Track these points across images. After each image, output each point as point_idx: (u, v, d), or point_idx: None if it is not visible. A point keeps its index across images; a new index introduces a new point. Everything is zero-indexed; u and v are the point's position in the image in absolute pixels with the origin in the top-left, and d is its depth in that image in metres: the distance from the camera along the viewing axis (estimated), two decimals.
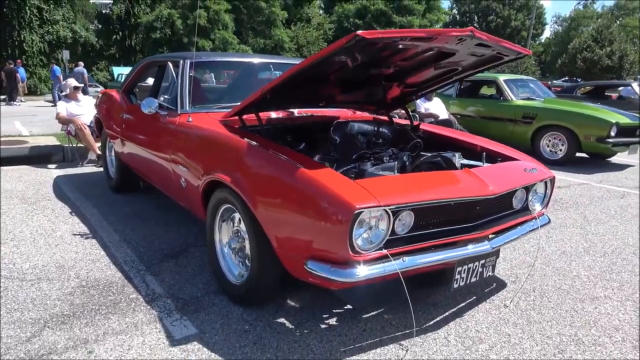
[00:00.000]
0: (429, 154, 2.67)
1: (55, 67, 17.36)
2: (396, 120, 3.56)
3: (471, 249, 2.24)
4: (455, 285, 2.28)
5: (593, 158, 7.62)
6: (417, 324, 2.35)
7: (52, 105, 15.83)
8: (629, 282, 3.02)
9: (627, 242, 3.81)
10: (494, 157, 2.89)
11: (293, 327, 2.30)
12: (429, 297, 2.64)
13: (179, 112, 3.09)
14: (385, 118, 3.51)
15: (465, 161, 2.83)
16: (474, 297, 2.70)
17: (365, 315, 2.44)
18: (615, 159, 7.83)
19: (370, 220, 1.95)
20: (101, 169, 5.28)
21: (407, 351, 2.15)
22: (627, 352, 2.21)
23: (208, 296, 2.57)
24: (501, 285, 2.89)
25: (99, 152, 5.57)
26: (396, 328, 2.34)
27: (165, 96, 3.33)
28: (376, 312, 2.48)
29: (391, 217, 1.96)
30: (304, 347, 2.14)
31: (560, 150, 7.04)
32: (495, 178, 2.39)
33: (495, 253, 2.42)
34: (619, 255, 3.50)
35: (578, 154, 7.14)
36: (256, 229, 2.24)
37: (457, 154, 2.81)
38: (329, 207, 1.91)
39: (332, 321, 2.38)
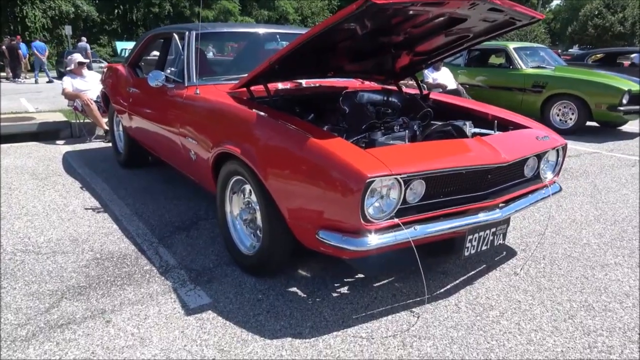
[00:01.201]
0: (440, 123, 2.63)
1: (35, 44, 16.90)
2: (405, 89, 3.52)
3: (482, 217, 2.24)
4: (466, 253, 2.29)
5: (604, 127, 7.52)
6: (428, 291, 2.37)
7: (35, 83, 15.64)
8: None
9: (638, 210, 3.79)
10: (505, 126, 2.85)
11: (305, 295, 2.33)
12: (439, 266, 2.65)
13: (186, 85, 3.07)
14: (394, 88, 3.46)
15: (477, 130, 2.80)
16: (484, 265, 2.71)
17: (377, 284, 2.46)
18: (626, 127, 7.72)
19: (381, 189, 1.95)
20: (109, 144, 5.30)
21: (418, 318, 2.18)
22: (638, 318, 2.23)
23: (220, 267, 2.60)
24: (511, 253, 2.90)
25: (106, 127, 5.57)
26: (407, 296, 2.36)
27: (172, 69, 3.30)
28: (387, 280, 2.50)
29: (402, 185, 1.95)
30: (316, 314, 2.17)
31: (571, 119, 6.94)
32: (507, 146, 2.37)
33: (506, 221, 2.42)
34: (630, 223, 3.49)
35: (588, 123, 7.04)
36: (267, 200, 2.25)
37: (468, 123, 2.77)
38: (340, 176, 1.91)
39: (344, 290, 2.41)
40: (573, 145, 6.19)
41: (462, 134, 2.60)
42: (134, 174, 4.38)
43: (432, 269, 2.61)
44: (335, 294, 2.36)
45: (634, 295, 2.44)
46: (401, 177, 1.93)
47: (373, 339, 2.01)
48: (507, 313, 2.25)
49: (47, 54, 16.89)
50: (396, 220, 1.99)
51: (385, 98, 3.05)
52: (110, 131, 4.98)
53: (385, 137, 2.43)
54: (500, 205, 2.35)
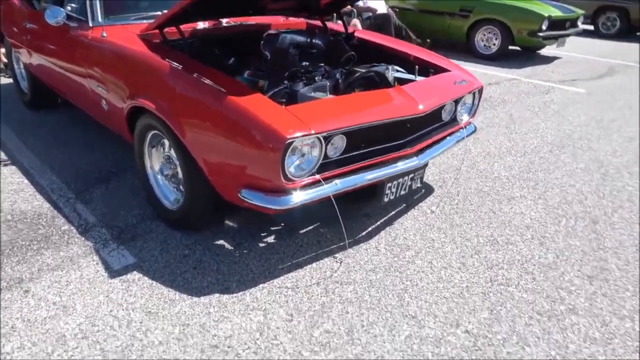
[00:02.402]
0: (363, 70, 2.62)
1: None
2: (330, 25, 3.41)
3: (401, 166, 2.33)
4: (386, 200, 2.41)
5: (524, 51, 7.82)
6: (350, 235, 2.49)
7: None
8: (543, 180, 3.30)
9: (545, 139, 4.09)
10: (426, 68, 2.89)
11: (232, 248, 2.38)
12: (362, 209, 2.77)
13: (90, 25, 2.77)
14: (319, 23, 3.35)
15: (399, 74, 2.82)
16: (404, 205, 2.87)
17: (302, 231, 2.55)
18: (544, 51, 8.07)
19: (302, 148, 1.96)
20: (11, 80, 4.79)
21: (340, 263, 2.31)
22: (534, 249, 2.50)
23: (144, 222, 2.56)
24: (429, 190, 3.08)
25: (4, 59, 5.00)
26: (331, 241, 2.47)
27: (73, 4, 2.96)
28: (312, 226, 2.59)
29: (323, 143, 1.97)
30: (243, 267, 2.24)
31: (494, 44, 7.12)
32: (425, 94, 2.42)
33: (424, 166, 2.53)
34: (537, 153, 3.77)
35: (510, 47, 7.28)
36: (186, 157, 2.19)
37: (390, 67, 2.78)
38: (259, 137, 1.89)
39: (270, 239, 2.47)
40: (495, 72, 6.42)
41: (384, 80, 2.62)
42: (42, 117, 4.04)
43: (355, 212, 2.72)
44: (262, 244, 2.42)
45: (533, 227, 2.71)
46: (322, 135, 1.94)
47: (298, 288, 2.12)
48: (422, 252, 2.43)
49: None
50: (317, 176, 2.03)
51: (309, 39, 2.95)
52: (10, 67, 4.48)
53: (307, 87, 2.39)
54: (418, 152, 2.44)
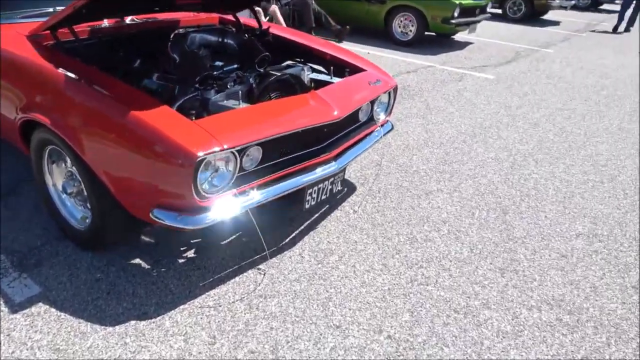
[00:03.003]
0: (277, 72, 2.55)
1: None
2: (244, 20, 3.29)
3: (320, 173, 2.32)
4: (307, 206, 2.40)
5: (439, 37, 8.10)
6: (273, 243, 2.46)
7: None
8: (458, 172, 3.45)
9: (460, 129, 4.27)
10: (342, 67, 2.88)
11: (149, 267, 2.26)
12: (285, 212, 2.73)
13: None
14: (232, 18, 3.22)
15: (314, 75, 2.79)
16: (327, 206, 2.87)
17: (224, 242, 2.47)
18: (457, 37, 8.41)
19: (215, 163, 1.88)
20: None
21: (264, 275, 2.27)
22: (451, 244, 2.60)
23: (49, 244, 2.36)
24: (352, 189, 3.11)
25: None
26: (254, 251, 2.42)
27: None
28: (234, 235, 2.52)
29: (238, 157, 1.90)
30: (162, 288, 2.13)
31: (411, 31, 7.30)
32: (340, 99, 2.40)
33: (343, 169, 2.54)
34: (452, 144, 3.93)
35: (426, 33, 7.50)
36: (90, 175, 2.03)
37: (305, 68, 2.75)
38: (169, 156, 1.78)
39: (190, 253, 2.38)
40: (412, 60, 6.59)
41: (299, 82, 2.57)
42: None
43: (278, 216, 2.68)
44: (181, 260, 2.32)
45: (449, 221, 2.83)
46: (235, 149, 1.87)
47: (220, 306, 2.06)
48: (345, 256, 2.45)
49: None
50: (234, 190, 1.96)
51: (220, 39, 2.82)
52: None
53: (219, 95, 2.29)
54: (336, 156, 2.44)
